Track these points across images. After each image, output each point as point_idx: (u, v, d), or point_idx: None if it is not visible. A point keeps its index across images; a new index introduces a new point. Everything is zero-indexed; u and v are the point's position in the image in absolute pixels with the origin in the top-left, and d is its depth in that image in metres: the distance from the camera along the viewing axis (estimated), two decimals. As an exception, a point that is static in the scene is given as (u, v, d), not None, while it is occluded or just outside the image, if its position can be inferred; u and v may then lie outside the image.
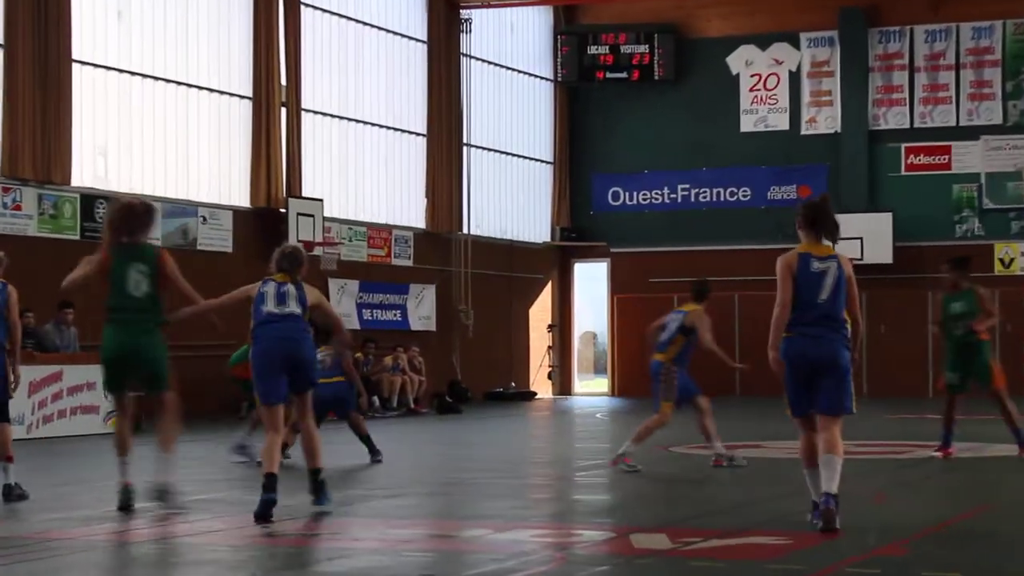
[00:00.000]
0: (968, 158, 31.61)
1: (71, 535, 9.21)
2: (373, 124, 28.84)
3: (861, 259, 29.43)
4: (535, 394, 32.52)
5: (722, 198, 33.35)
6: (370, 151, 28.80)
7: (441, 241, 30.31)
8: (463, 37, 30.82)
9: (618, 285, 33.95)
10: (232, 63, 25.15)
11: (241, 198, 25.15)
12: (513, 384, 32.09)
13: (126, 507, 10.18)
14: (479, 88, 31.87)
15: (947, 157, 31.80)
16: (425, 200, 29.92)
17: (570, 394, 34.49)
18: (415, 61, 29.85)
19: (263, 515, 9.62)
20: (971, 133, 31.63)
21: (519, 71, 33.46)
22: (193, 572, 8.06)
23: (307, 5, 26.74)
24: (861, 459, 13.92)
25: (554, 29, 34.34)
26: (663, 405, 13.29)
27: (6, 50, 20.76)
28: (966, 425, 15.78)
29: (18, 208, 20.88)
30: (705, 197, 33.50)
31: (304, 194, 25.98)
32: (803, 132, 32.89)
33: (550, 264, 34.37)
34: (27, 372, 12.69)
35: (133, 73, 23.33)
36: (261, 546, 8.90)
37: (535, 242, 33.87)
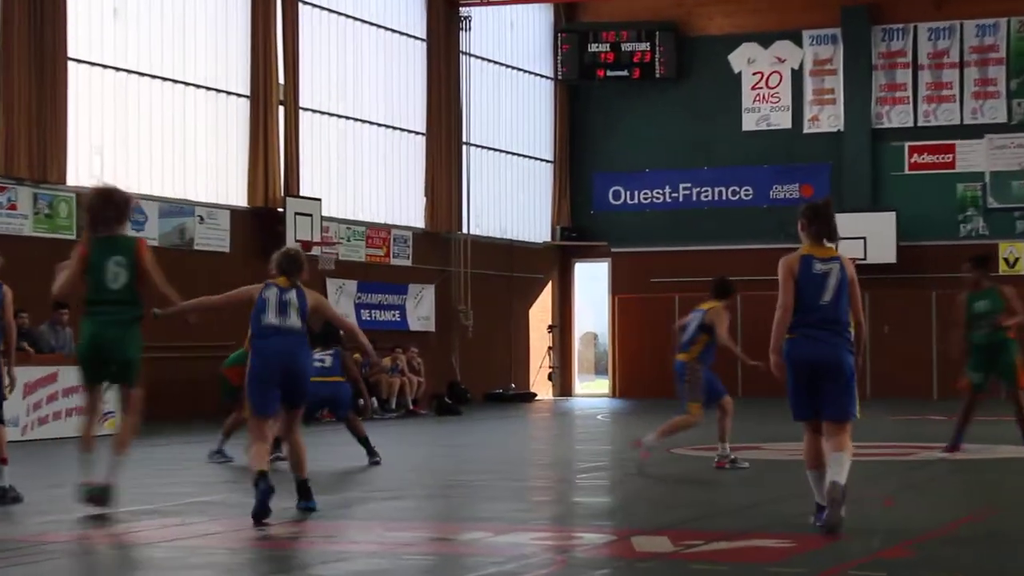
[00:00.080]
0: (972, 157, 31.51)
1: (66, 538, 9.17)
2: (372, 123, 28.74)
3: (864, 259, 29.38)
4: (535, 395, 32.45)
5: (724, 197, 33.25)
6: (369, 150, 28.71)
7: (440, 241, 30.21)
8: (462, 35, 30.75)
9: (619, 285, 33.86)
10: (229, 61, 25.07)
11: (239, 197, 25.05)
12: (513, 385, 32.01)
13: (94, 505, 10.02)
14: (479, 86, 31.77)
15: (951, 156, 31.71)
16: (424, 199, 29.83)
17: (570, 395, 34.44)
18: (414, 59, 29.75)
19: (263, 503, 9.57)
20: (975, 131, 31.53)
21: (519, 69, 33.37)
22: (188, 576, 8.04)
23: (305, 2, 26.63)
24: (866, 461, 13.76)
25: (554, 26, 34.25)
26: (690, 406, 13.30)
27: (1, 48, 20.64)
28: (973, 426, 15.61)
29: (13, 207, 20.82)
30: (707, 196, 33.40)
31: (302, 193, 25.88)
32: (806, 131, 32.80)
33: (550, 264, 34.28)
34: (22, 373, 12.56)
35: (129, 71, 23.25)
36: (258, 549, 8.88)
37: (535, 242, 33.77)
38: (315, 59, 27.01)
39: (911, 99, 31.98)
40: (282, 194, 25.33)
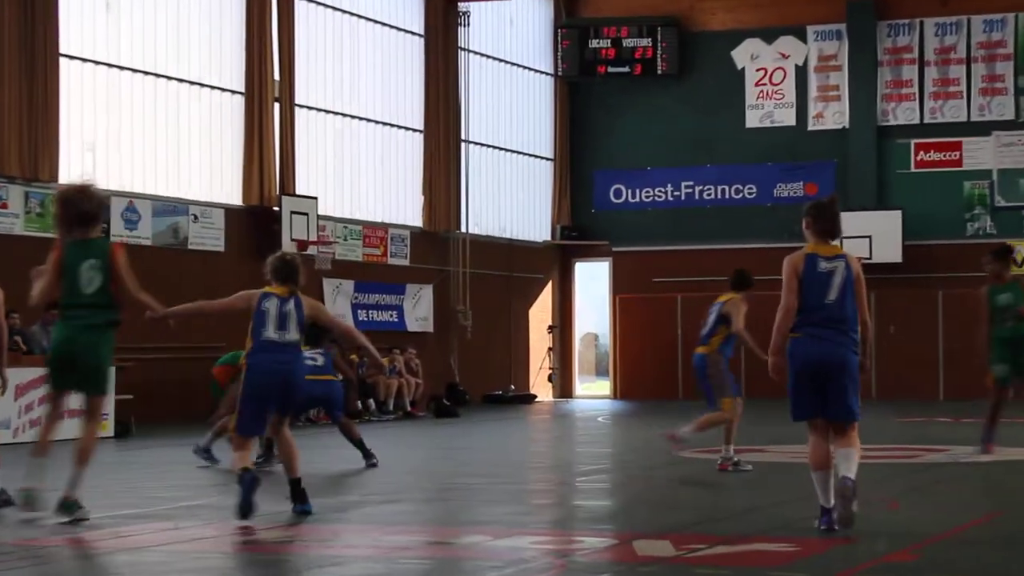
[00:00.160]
0: (979, 154, 31.33)
1: (59, 542, 9.14)
2: (368, 120, 28.57)
3: (870, 258, 29.25)
4: (535, 397, 32.34)
5: (727, 195, 33.07)
6: (365, 147, 28.55)
7: (439, 240, 30.03)
8: (461, 30, 30.64)
9: (620, 285, 33.69)
10: (224, 57, 24.93)
11: (233, 196, 24.88)
12: (512, 387, 31.89)
13: (27, 509, 9.82)
14: (477, 83, 31.60)
15: (958, 153, 31.52)
16: (422, 198, 29.67)
17: (571, 397, 34.37)
18: (412, 55, 29.60)
19: (247, 495, 9.52)
20: (982, 128, 31.34)
21: (518, 65, 33.21)
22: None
23: (301, -2, 26.47)
24: (871, 463, 13.72)
25: (554, 22, 34.12)
26: (723, 402, 13.40)
27: (-9, 43, 20.51)
28: (979, 427, 15.50)
29: (4, 206, 20.69)
30: (709, 194, 33.20)
31: (298, 192, 25.76)
32: (810, 128, 32.62)
33: (550, 263, 34.12)
34: (14, 375, 12.47)
35: (122, 67, 23.10)
36: (251, 553, 8.92)
37: (535, 241, 33.60)
38: (311, 55, 26.87)
39: (917, 96, 31.77)
40: (277, 192, 25.21)
